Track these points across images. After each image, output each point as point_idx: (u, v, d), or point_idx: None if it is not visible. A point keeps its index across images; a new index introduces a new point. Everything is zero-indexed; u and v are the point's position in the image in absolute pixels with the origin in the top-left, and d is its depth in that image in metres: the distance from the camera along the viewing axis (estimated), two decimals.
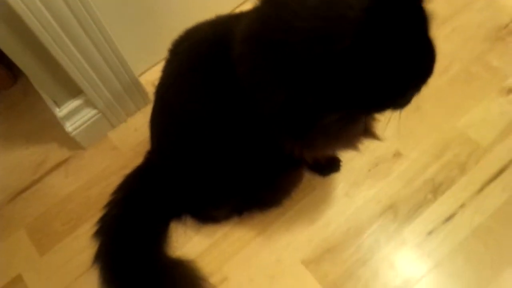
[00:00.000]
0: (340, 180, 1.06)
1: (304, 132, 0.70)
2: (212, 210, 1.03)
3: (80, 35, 0.93)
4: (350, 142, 0.80)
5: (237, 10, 1.25)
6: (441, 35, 1.21)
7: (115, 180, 1.06)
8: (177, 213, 1.05)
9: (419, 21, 0.61)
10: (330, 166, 1.06)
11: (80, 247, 1.05)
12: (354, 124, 0.74)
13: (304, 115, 0.67)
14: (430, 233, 0.98)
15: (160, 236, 1.03)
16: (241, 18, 0.76)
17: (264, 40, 0.64)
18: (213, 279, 0.99)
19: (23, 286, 1.03)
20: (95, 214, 1.04)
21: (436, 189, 1.02)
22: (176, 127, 0.88)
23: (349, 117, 0.69)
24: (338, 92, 0.61)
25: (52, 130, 1.22)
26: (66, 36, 0.91)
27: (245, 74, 0.69)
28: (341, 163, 1.06)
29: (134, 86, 1.15)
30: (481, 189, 1.01)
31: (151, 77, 1.24)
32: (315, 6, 0.58)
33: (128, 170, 1.06)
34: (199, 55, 0.82)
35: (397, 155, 1.07)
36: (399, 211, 1.01)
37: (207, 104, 0.79)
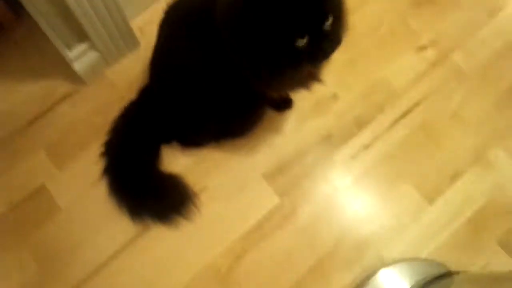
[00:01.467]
0: (291, 115, 1.39)
1: (263, 81, 1.00)
2: (194, 137, 1.33)
3: None
4: (298, 84, 1.08)
5: None
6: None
7: (114, 111, 1.33)
8: (167, 139, 1.35)
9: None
10: (285, 104, 1.38)
11: (91, 162, 1.33)
12: (293, 71, 0.98)
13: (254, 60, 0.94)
14: (353, 157, 1.35)
15: (153, 155, 1.33)
16: None
17: (229, 17, 0.93)
18: (195, 188, 1.32)
19: (47, 192, 1.32)
20: (101, 137, 1.33)
21: (360, 124, 1.37)
22: (170, 67, 1.14)
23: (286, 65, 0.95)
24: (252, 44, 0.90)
25: (56, 67, 1.43)
26: None
27: (224, 34, 0.98)
28: (293, 102, 1.39)
29: (127, 31, 1.38)
30: (391, 126, 1.37)
31: (138, 23, 1.48)
32: None
33: (124, 102, 1.34)
34: (190, 14, 1.07)
35: (334, 96, 1.40)
36: (333, 139, 1.36)
37: (196, 51, 1.05)
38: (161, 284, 1.25)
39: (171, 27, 1.16)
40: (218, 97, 1.12)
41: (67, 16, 1.20)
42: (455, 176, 1.31)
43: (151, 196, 1.30)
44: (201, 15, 1.03)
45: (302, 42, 0.87)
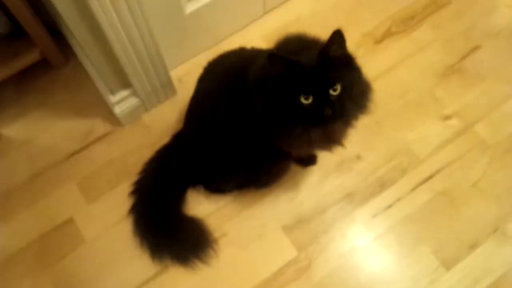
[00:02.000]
0: (315, 171, 1.44)
1: (279, 137, 1.08)
2: (220, 183, 1.39)
3: (135, 37, 1.22)
4: (314, 145, 1.13)
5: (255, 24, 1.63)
6: (404, 67, 1.58)
7: (147, 153, 1.42)
8: (194, 183, 1.41)
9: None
10: (309, 160, 1.43)
11: (119, 201, 1.40)
12: (311, 133, 1.05)
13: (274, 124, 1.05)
14: (374, 216, 1.37)
15: (179, 198, 1.40)
16: (256, 56, 1.15)
17: (258, 80, 1.05)
18: (216, 234, 1.36)
19: (74, 226, 1.39)
20: (131, 177, 1.41)
21: (382, 185, 1.40)
22: (205, 118, 1.23)
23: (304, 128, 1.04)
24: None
25: (97, 107, 1.53)
26: (126, 37, 1.20)
27: (253, 93, 1.07)
28: (317, 159, 1.43)
29: (166, 81, 1.48)
30: (413, 189, 1.40)
31: (177, 73, 1.58)
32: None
33: (157, 146, 1.42)
34: (227, 75, 1.19)
35: (358, 157, 1.45)
36: (354, 198, 1.40)
37: (229, 106, 1.15)
38: None
39: (209, 82, 1.26)
40: (246, 149, 1.19)
41: (114, 65, 1.31)
42: (473, 246, 1.32)
43: (173, 237, 1.34)
44: (237, 75, 1.14)
45: (306, 101, 0.97)
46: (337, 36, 0.95)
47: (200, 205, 1.41)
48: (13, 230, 1.40)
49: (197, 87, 1.31)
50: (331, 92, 0.97)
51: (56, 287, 1.32)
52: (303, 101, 0.98)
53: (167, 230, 1.35)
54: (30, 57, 1.47)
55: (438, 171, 1.42)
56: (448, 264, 1.30)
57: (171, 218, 1.37)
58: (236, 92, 1.13)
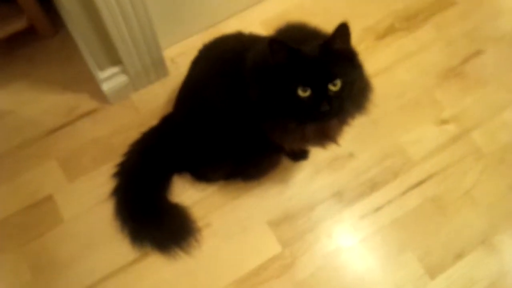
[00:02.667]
0: (306, 167, 1.40)
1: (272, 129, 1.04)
2: (208, 172, 1.34)
3: (128, 11, 1.16)
4: (308, 140, 1.09)
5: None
6: (404, 66, 1.54)
7: (133, 134, 1.37)
8: (180, 169, 1.36)
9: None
10: (301, 155, 1.39)
11: (101, 181, 1.35)
12: (306, 128, 1.03)
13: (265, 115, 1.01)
14: (362, 217, 1.34)
15: (164, 184, 1.35)
16: (254, 42, 1.10)
17: (255, 67, 1.01)
18: (199, 223, 1.32)
19: (54, 203, 1.34)
20: (115, 158, 1.36)
21: (373, 186, 1.37)
22: (197, 102, 1.18)
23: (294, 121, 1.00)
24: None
25: (84, 82, 1.47)
26: (119, 11, 1.14)
27: (249, 84, 1.02)
28: (309, 154, 1.40)
29: (159, 60, 1.42)
30: (404, 192, 1.37)
31: (170, 54, 1.52)
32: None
33: (144, 128, 1.37)
34: (223, 60, 1.14)
35: (351, 155, 1.41)
36: (344, 197, 1.36)
37: (223, 92, 1.11)
38: None
39: (204, 65, 1.21)
40: (237, 137, 1.15)
41: (104, 39, 1.25)
42: (459, 255, 1.30)
43: (155, 224, 1.30)
44: (233, 60, 1.09)
45: (304, 94, 0.93)
46: (343, 30, 0.91)
47: (185, 193, 1.36)
48: None
49: (190, 70, 1.25)
50: (331, 87, 0.93)
51: (31, 265, 1.27)
52: (301, 93, 0.93)
53: (150, 216, 1.31)
54: (16, 24, 1.41)
55: (430, 176, 1.39)
56: (433, 272, 1.27)
57: (154, 204, 1.32)
58: (231, 78, 1.08)
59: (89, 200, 1.34)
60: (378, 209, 1.35)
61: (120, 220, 1.31)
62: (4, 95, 1.48)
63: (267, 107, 1.00)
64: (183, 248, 1.29)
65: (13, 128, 1.44)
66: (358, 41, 1.56)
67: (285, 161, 1.38)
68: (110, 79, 1.38)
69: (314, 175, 1.39)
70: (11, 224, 1.32)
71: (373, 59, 1.54)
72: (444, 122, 1.47)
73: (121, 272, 1.27)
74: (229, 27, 1.54)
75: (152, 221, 1.30)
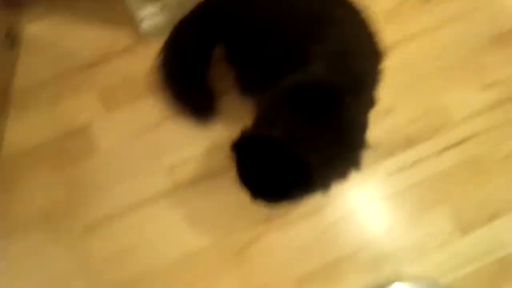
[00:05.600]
0: None
1: None
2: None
3: None
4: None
5: None
6: (448, 30, 1.48)
7: None
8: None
9: None
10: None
11: (139, 113, 1.37)
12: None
13: None
14: (393, 172, 1.32)
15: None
16: None
17: None
18: None
19: (91, 131, 1.37)
20: (152, 94, 1.39)
21: (409, 142, 1.34)
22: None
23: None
24: None
25: (124, 20, 1.47)
26: None
27: None
28: None
29: None
30: (440, 152, 1.34)
31: None
32: None
33: None
34: None
35: (391, 110, 1.38)
36: (379, 149, 1.33)
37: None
38: (185, 243, 1.26)
39: None
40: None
41: None
42: (494, 216, 1.27)
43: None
44: None
45: None
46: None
47: None
48: (29, 126, 1.39)
49: None
50: None
51: (66, 187, 1.31)
52: None
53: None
54: None
55: (469, 138, 1.35)
56: (464, 229, 1.25)
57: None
58: None
59: (127, 131, 1.37)
60: (412, 164, 1.32)
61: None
62: (46, 25, 1.51)
63: None
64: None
65: (53, 59, 1.46)
66: (402, 0, 1.52)
67: None
68: (149, 17, 1.39)
69: None
70: (48, 149, 1.36)
71: (416, 20, 1.50)
72: (489, 86, 1.42)
73: (156, 200, 1.29)
74: None
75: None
